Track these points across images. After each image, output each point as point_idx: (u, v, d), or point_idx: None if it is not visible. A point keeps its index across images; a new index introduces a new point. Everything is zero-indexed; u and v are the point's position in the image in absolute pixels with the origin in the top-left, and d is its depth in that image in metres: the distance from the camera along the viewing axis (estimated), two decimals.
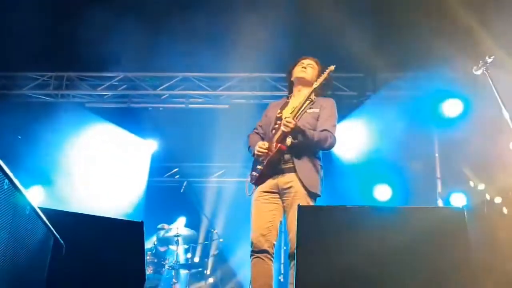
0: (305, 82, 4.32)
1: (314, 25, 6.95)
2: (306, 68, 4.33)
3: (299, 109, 4.07)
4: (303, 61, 4.40)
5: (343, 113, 7.99)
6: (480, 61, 4.03)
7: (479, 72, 4.04)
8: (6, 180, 2.06)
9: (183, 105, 8.88)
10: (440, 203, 7.67)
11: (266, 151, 4.06)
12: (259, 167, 4.12)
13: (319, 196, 4.06)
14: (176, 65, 8.39)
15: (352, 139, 8.11)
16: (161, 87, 8.77)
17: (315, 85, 4.11)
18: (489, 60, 3.97)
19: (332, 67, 4.16)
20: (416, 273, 2.82)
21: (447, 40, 6.87)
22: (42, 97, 8.78)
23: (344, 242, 2.94)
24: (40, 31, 7.04)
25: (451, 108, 7.72)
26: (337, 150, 7.86)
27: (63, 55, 7.71)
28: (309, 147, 4.06)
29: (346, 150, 8.07)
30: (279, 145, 4.00)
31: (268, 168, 4.07)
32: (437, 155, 8.11)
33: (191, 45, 7.41)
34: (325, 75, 4.13)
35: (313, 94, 4.16)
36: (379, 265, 2.86)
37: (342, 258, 2.89)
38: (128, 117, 8.97)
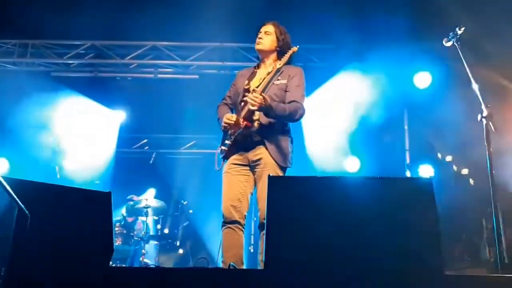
0: (264, 53, 4.26)
1: None
2: (262, 38, 4.23)
3: (267, 82, 3.99)
4: (261, 29, 4.29)
5: (314, 85, 7.99)
6: (451, 33, 4.03)
7: (449, 44, 4.05)
8: None
9: (151, 75, 8.74)
10: (408, 174, 7.80)
11: (233, 122, 4.02)
12: (227, 141, 4.10)
13: (289, 167, 4.07)
14: (145, 34, 8.21)
15: (322, 111, 8.11)
16: (129, 56, 8.58)
17: (278, 65, 4.01)
18: (459, 32, 3.98)
19: (295, 48, 4.07)
20: (384, 242, 2.85)
21: (418, 12, 6.89)
22: (6, 65, 8.51)
23: (313, 212, 2.95)
24: None
25: (421, 80, 7.79)
26: (307, 121, 7.88)
27: (28, 22, 7.42)
28: (279, 120, 4.04)
29: (316, 121, 8.07)
30: (245, 122, 3.98)
31: (236, 143, 4.06)
32: (406, 127, 8.21)
33: (161, 13, 7.24)
34: (287, 56, 4.02)
35: (279, 64, 4.08)
36: (348, 235, 2.88)
37: (312, 228, 2.90)
38: (95, 87, 8.77)
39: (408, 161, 8.01)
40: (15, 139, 8.19)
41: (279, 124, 4.06)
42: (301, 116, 4.11)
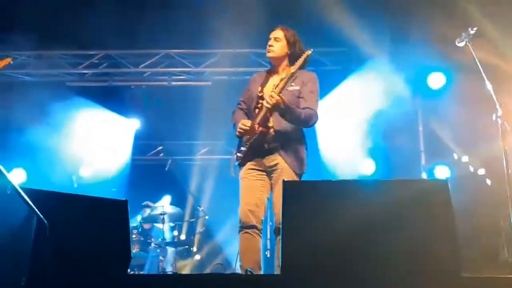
0: (275, 60, 4.22)
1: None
2: (273, 45, 4.17)
3: (280, 89, 3.94)
4: (270, 35, 4.24)
5: (326, 88, 7.97)
6: (463, 33, 4.02)
7: (462, 44, 4.04)
8: None
9: (165, 83, 8.81)
10: (424, 175, 7.74)
11: (248, 128, 4.01)
12: (243, 148, 4.10)
13: (304, 173, 4.08)
14: (158, 42, 8.28)
15: (336, 114, 8.09)
16: (143, 65, 8.66)
17: (293, 70, 3.96)
18: (471, 32, 3.96)
19: (309, 52, 4.01)
20: (401, 245, 2.84)
21: (430, 13, 6.85)
22: (21, 76, 8.63)
23: (329, 216, 2.95)
24: (18, 8, 6.88)
25: (435, 81, 7.73)
26: (320, 125, 7.86)
27: (42, 33, 7.52)
28: (293, 125, 4.04)
29: (330, 124, 8.06)
30: (260, 128, 3.98)
31: (252, 150, 4.06)
32: (420, 128, 8.15)
33: (173, 21, 7.30)
34: (301, 60, 3.96)
35: (293, 70, 4.07)
36: (364, 238, 2.88)
37: (328, 232, 2.90)
38: (110, 96, 8.86)
39: (423, 162, 7.95)
40: (31, 149, 8.28)
41: (294, 131, 4.06)
42: (315, 122, 4.10)
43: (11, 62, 3.98)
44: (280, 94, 3.86)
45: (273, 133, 4.02)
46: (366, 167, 8.45)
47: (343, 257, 2.83)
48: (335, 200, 2.99)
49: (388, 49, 7.58)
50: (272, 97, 3.82)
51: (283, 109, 3.86)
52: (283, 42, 4.17)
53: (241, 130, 4.05)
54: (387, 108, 7.72)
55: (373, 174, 8.29)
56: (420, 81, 7.85)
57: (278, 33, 4.20)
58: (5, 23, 7.05)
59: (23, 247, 2.68)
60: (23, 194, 2.56)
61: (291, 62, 4.11)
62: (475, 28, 3.92)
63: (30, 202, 2.64)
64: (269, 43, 4.20)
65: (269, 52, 4.21)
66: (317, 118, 4.09)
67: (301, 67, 4.00)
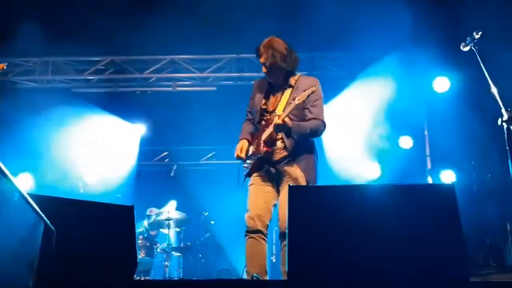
0: (274, 80, 4.19)
1: (301, 4, 6.90)
2: (268, 72, 4.13)
3: (284, 105, 4.02)
4: (260, 59, 4.14)
5: (331, 92, 7.97)
6: (468, 38, 4.01)
7: (467, 49, 4.03)
8: None
9: (170, 88, 8.84)
10: (430, 180, 7.72)
11: (244, 157, 4.11)
12: (249, 161, 4.14)
13: (315, 184, 4.05)
14: (163, 48, 8.32)
15: (341, 118, 8.09)
16: (148, 70, 8.70)
17: (294, 82, 4.07)
18: (476, 36, 3.96)
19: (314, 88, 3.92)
20: (408, 251, 2.83)
21: (434, 16, 6.85)
22: (27, 82, 8.68)
23: (335, 222, 2.95)
24: (23, 16, 6.92)
25: (440, 85, 7.72)
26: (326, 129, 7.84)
27: (47, 40, 7.57)
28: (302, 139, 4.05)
29: (335, 129, 8.05)
30: (265, 149, 4.01)
31: (259, 162, 4.09)
32: (426, 132, 8.14)
33: (177, 27, 7.32)
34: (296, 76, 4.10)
35: (294, 80, 4.11)
36: (371, 243, 2.87)
37: (334, 237, 2.90)
38: (115, 102, 8.89)
39: (429, 166, 7.93)
40: (37, 155, 8.32)
41: (303, 142, 4.07)
42: (322, 132, 4.11)
43: (5, 68, 3.93)
44: (285, 119, 3.85)
45: (280, 144, 4.04)
46: (372, 172, 8.43)
47: (349, 263, 2.83)
48: (341, 205, 2.99)
49: (393, 53, 7.57)
50: (277, 124, 3.86)
51: (289, 130, 3.89)
52: (275, 62, 4.06)
53: (236, 156, 4.17)
54: (392, 112, 7.72)
55: (378, 178, 8.28)
56: (425, 85, 7.84)
57: (265, 56, 4.09)
58: (11, 30, 7.10)
59: (31, 252, 2.69)
60: (30, 200, 2.58)
61: (289, 67, 4.11)
62: (480, 32, 3.92)
63: (37, 209, 2.66)
64: (263, 70, 4.15)
65: (270, 78, 4.20)
66: (325, 127, 4.10)
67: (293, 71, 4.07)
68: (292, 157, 4.01)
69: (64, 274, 2.98)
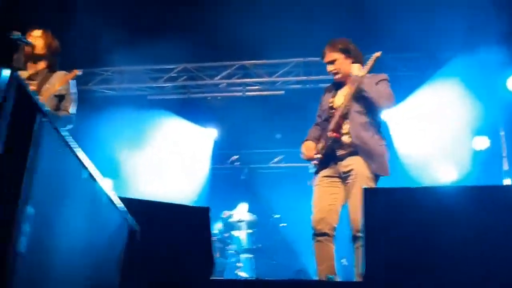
0: (343, 78, 4.19)
1: (370, 6, 6.84)
2: (333, 69, 4.16)
3: (351, 95, 4.02)
4: (324, 59, 4.19)
5: (403, 94, 7.84)
6: None
7: None
8: (85, 171, 2.20)
9: (240, 93, 9.01)
10: (508, 182, 7.41)
11: (312, 156, 4.16)
12: (317, 156, 4.16)
13: (381, 176, 3.98)
14: (233, 54, 8.51)
15: (414, 120, 7.94)
16: (218, 76, 8.91)
17: (361, 73, 3.93)
18: None
19: (378, 53, 3.92)
20: (489, 255, 2.75)
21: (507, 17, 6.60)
22: (106, 91, 9.11)
23: (411, 225, 2.88)
24: (95, 29, 7.26)
25: None
26: (398, 131, 7.73)
27: (124, 50, 7.92)
28: (370, 129, 4.02)
29: (408, 130, 7.92)
30: (334, 134, 4.01)
31: (326, 157, 4.10)
32: (502, 133, 7.82)
33: (246, 33, 7.45)
34: (370, 62, 3.92)
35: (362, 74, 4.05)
36: (449, 246, 2.80)
37: (411, 240, 2.84)
38: (188, 107, 9.18)
39: (506, 168, 7.61)
40: (116, 161, 8.71)
41: (371, 133, 4.01)
42: (390, 103, 4.04)
43: (80, 74, 4.14)
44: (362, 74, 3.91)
45: (347, 138, 4.01)
46: (447, 174, 8.20)
47: (428, 267, 2.77)
48: (418, 207, 2.92)
49: (465, 52, 7.35)
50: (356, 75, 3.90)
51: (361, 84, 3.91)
52: (343, 59, 4.11)
53: (302, 156, 4.25)
54: (466, 113, 7.50)
55: (454, 181, 8.04)
56: (499, 85, 7.54)
57: (331, 55, 4.14)
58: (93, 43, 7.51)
59: (118, 252, 2.86)
60: (117, 201, 2.74)
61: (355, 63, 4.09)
62: None
63: (124, 209, 2.82)
64: (328, 69, 4.19)
65: (336, 76, 4.20)
66: (393, 99, 4.04)
67: (370, 70, 3.97)
68: (360, 150, 3.94)
69: (146, 274, 3.13)
